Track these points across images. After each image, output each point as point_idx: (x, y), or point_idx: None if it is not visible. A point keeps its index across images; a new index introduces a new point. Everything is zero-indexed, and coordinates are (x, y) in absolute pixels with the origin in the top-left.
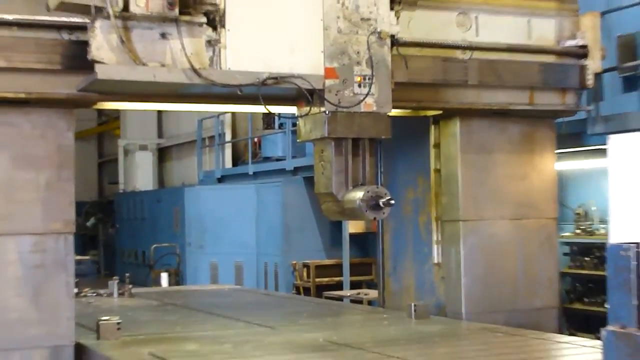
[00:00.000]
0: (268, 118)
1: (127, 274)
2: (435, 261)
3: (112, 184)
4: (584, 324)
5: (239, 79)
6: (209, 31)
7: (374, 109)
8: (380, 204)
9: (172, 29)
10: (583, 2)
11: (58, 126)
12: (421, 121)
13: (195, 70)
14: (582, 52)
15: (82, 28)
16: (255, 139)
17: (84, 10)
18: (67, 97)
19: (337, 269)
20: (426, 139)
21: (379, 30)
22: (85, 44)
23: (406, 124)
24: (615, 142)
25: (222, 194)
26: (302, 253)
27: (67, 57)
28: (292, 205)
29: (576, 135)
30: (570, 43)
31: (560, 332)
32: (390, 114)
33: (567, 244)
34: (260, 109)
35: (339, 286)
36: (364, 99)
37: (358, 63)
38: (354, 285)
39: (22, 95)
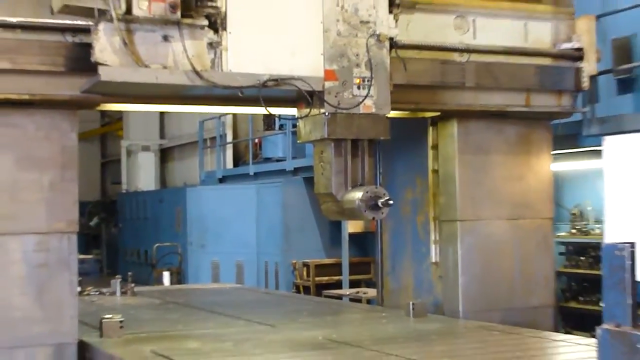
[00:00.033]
0: (268, 119)
1: (129, 273)
2: (433, 260)
3: (115, 184)
4: (579, 322)
5: (240, 80)
6: (210, 34)
7: (373, 110)
8: (379, 204)
9: (174, 32)
10: (579, 5)
11: (62, 127)
12: (419, 122)
13: (197, 72)
14: (577, 55)
15: (86, 30)
16: (256, 140)
17: (88, 13)
18: (70, 99)
19: (336, 268)
20: (424, 140)
21: (377, 33)
22: (88, 47)
23: (404, 126)
24: (610, 144)
25: (223, 194)
26: (302, 252)
27: (70, 59)
28: (292, 205)
29: (572, 137)
30: (566, 46)
31: (556, 330)
32: (389, 115)
33: (563, 243)
34: (260, 110)
35: (338, 285)
36: (363, 100)
37: (357, 65)
38: (353, 284)
39: (26, 97)
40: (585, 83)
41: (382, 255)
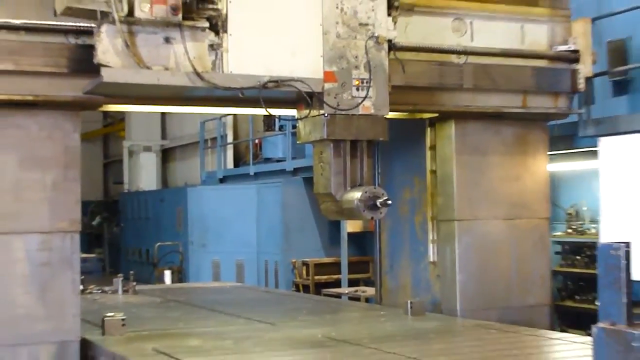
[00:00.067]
0: (269, 120)
1: (131, 272)
2: (431, 260)
3: (117, 184)
4: (575, 320)
5: (240, 82)
6: (211, 36)
7: (372, 111)
8: (378, 204)
9: (176, 34)
10: (575, 8)
11: (64, 128)
12: (417, 124)
13: (198, 74)
14: (573, 57)
15: (89, 32)
16: (256, 141)
17: (90, 15)
18: (73, 100)
19: (335, 267)
20: (422, 141)
21: (376, 35)
22: (91, 48)
23: (403, 127)
24: (606, 144)
25: (224, 194)
26: (302, 251)
27: (73, 60)
28: (292, 205)
29: (568, 138)
30: (562, 48)
31: (552, 328)
32: (388, 116)
33: (559, 243)
34: (261, 111)
35: (337, 284)
36: (362, 101)
37: (356, 67)
38: (352, 283)
39: (30, 98)
40: (581, 85)
41: (381, 254)
